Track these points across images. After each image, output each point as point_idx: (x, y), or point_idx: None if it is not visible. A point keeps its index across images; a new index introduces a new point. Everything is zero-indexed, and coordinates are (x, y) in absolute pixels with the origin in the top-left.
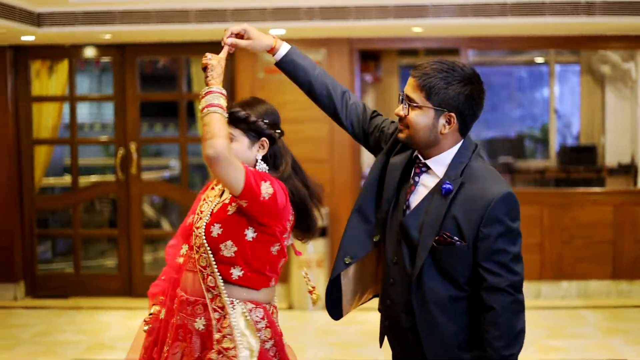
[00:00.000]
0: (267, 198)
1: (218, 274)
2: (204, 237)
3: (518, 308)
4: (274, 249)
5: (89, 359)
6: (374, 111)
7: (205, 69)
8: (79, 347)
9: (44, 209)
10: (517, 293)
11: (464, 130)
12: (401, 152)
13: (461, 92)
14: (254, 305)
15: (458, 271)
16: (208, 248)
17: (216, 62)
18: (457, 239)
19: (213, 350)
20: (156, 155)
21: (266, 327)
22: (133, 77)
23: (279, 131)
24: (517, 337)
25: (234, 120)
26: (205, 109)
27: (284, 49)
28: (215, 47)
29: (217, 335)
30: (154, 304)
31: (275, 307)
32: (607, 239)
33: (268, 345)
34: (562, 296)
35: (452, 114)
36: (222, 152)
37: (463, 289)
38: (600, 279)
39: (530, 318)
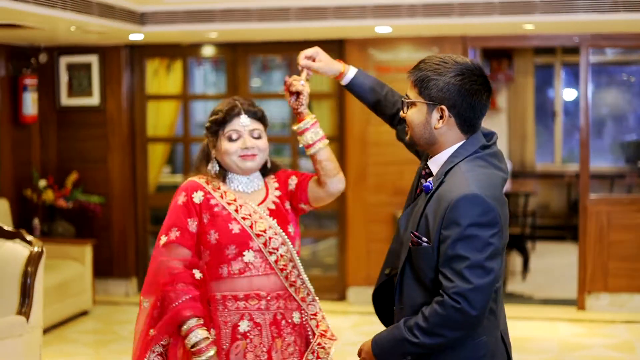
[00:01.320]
0: None
1: (301, 266)
2: (286, 237)
3: (455, 319)
4: None
5: None
6: None
7: (297, 94)
8: None
9: (158, 207)
10: (464, 303)
11: (464, 126)
12: None
13: (451, 82)
14: None
15: (427, 275)
16: (291, 246)
17: (302, 85)
18: (425, 240)
19: (317, 335)
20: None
21: None
22: (245, 75)
23: None
24: (432, 335)
25: (258, 117)
26: (321, 141)
27: (351, 72)
28: (333, 45)
29: (313, 322)
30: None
31: None
32: None
33: None
34: None
35: (443, 107)
36: None
37: (433, 295)
38: None
39: None
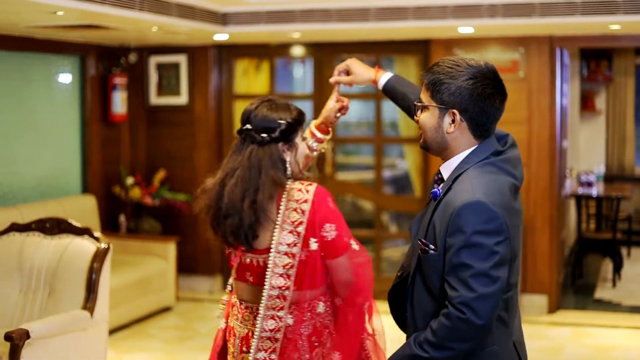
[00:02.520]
0: None
1: None
2: None
3: (462, 330)
4: None
5: None
6: None
7: (342, 108)
8: None
9: None
10: (469, 312)
11: (476, 131)
12: None
13: (464, 86)
14: None
15: (435, 283)
16: None
17: (334, 110)
18: (432, 247)
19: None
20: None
21: None
22: (331, 75)
23: None
24: (442, 349)
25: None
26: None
27: (384, 78)
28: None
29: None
30: None
31: None
32: None
33: None
34: None
35: (455, 111)
36: None
37: (443, 304)
38: None
39: None
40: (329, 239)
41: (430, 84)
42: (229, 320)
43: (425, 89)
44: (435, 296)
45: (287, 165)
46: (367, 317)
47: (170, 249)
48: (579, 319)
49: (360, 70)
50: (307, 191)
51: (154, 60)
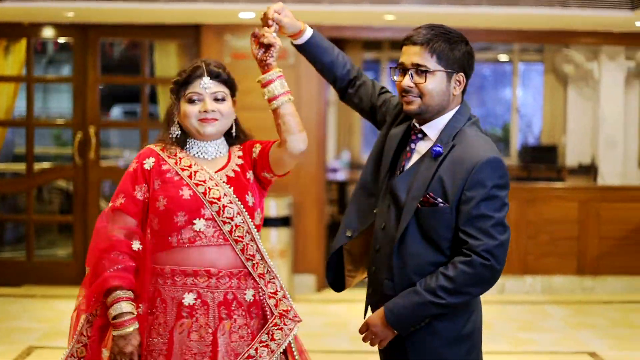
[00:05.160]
0: None
1: (259, 240)
2: (242, 207)
3: (483, 276)
4: None
5: (48, 346)
6: (382, 87)
7: (268, 46)
8: (35, 335)
9: None
10: (493, 260)
11: (464, 90)
12: (401, 123)
13: (465, 51)
14: None
15: (441, 234)
16: (248, 217)
17: (274, 38)
18: (440, 200)
19: (274, 315)
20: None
21: None
22: (95, 58)
23: None
24: (459, 294)
25: (223, 80)
26: (284, 96)
27: (309, 31)
28: (186, 30)
29: (271, 301)
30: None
31: None
32: (571, 235)
33: None
34: (527, 291)
35: (462, 74)
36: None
37: (445, 253)
38: (565, 275)
39: (497, 312)
40: None
41: (436, 50)
42: None
43: (430, 55)
44: (438, 247)
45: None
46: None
47: None
48: (349, 296)
49: (292, 16)
50: None
51: None
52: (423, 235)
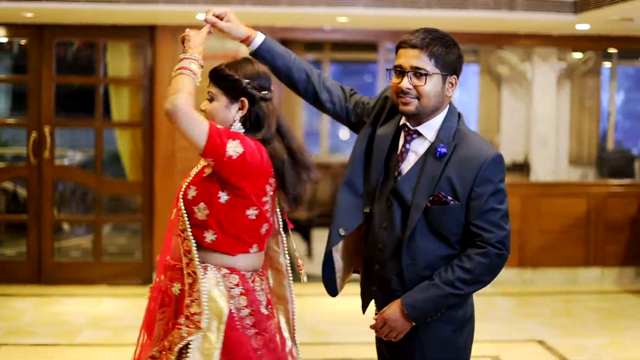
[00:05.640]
0: (234, 157)
1: (191, 237)
2: (181, 200)
3: (497, 264)
4: (250, 212)
5: (9, 343)
6: (352, 89)
7: (183, 41)
8: None
9: None
10: (504, 249)
11: (453, 92)
12: (387, 122)
13: (458, 54)
14: (228, 271)
15: (451, 230)
16: (184, 211)
17: (193, 33)
18: (450, 198)
19: (182, 315)
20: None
21: (241, 294)
22: (50, 59)
23: (265, 92)
24: (476, 284)
25: (214, 78)
26: (176, 71)
27: (259, 38)
28: (140, 30)
29: (187, 300)
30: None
31: (261, 276)
32: (513, 229)
33: (244, 312)
34: None
35: (454, 76)
36: (180, 106)
37: (455, 247)
38: (507, 267)
39: None
40: None
41: (434, 54)
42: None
43: (428, 58)
44: (448, 241)
45: None
46: None
47: None
48: (301, 290)
49: (237, 21)
50: None
51: None
52: (432, 232)
